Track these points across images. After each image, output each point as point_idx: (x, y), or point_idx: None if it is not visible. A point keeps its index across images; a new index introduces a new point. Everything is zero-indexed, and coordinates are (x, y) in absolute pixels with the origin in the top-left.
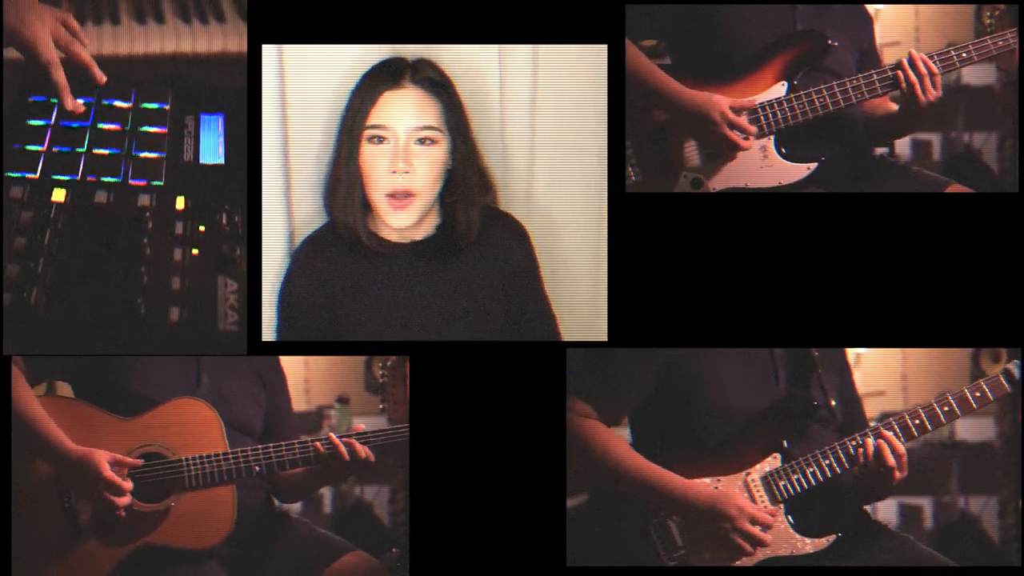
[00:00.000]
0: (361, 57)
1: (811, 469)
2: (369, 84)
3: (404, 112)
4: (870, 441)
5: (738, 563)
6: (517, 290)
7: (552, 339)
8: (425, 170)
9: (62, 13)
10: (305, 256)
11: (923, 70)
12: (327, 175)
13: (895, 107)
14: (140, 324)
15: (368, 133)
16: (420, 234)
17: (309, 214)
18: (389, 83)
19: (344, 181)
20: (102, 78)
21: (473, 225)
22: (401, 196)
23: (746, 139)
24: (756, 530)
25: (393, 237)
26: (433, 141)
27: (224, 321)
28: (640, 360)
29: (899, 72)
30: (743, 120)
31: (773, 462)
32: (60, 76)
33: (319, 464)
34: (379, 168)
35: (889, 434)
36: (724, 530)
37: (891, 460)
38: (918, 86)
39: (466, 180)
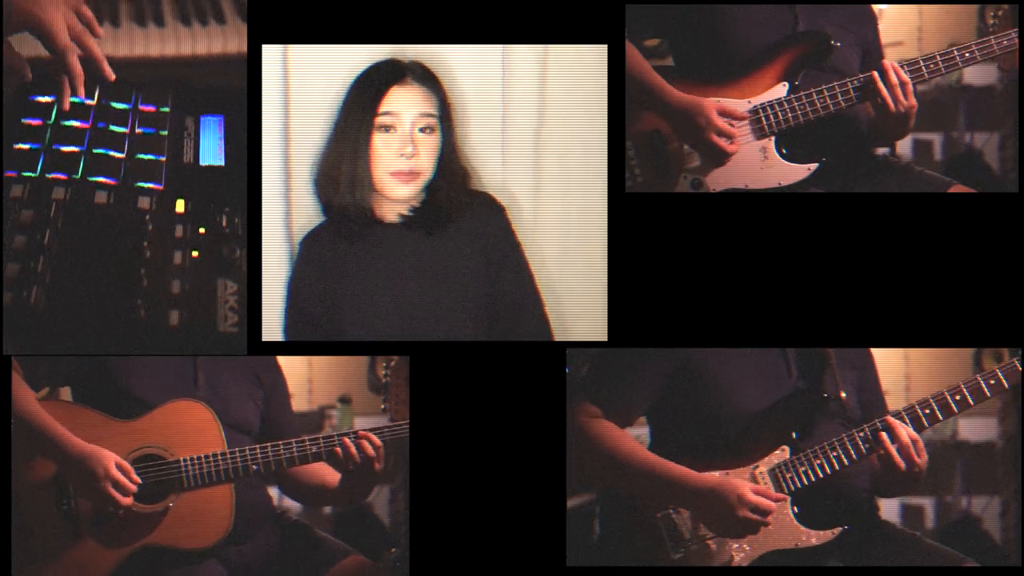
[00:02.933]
0: (364, 58)
1: (818, 461)
2: (373, 81)
3: (410, 104)
4: (882, 434)
5: (740, 557)
6: (496, 258)
7: (532, 301)
8: (427, 153)
9: (76, 1)
10: (306, 248)
11: (894, 80)
12: (322, 164)
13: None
14: (139, 328)
15: (379, 122)
16: (406, 207)
17: (310, 214)
18: (394, 80)
19: (348, 168)
20: (111, 75)
21: (454, 200)
22: (407, 175)
23: (731, 143)
24: (756, 516)
25: (389, 215)
26: (432, 129)
27: (224, 322)
28: (650, 360)
29: (872, 82)
30: (730, 125)
31: (781, 454)
32: (76, 64)
33: (330, 462)
34: (388, 154)
35: (897, 422)
36: (728, 514)
37: (905, 439)
38: (889, 98)
39: (452, 164)
